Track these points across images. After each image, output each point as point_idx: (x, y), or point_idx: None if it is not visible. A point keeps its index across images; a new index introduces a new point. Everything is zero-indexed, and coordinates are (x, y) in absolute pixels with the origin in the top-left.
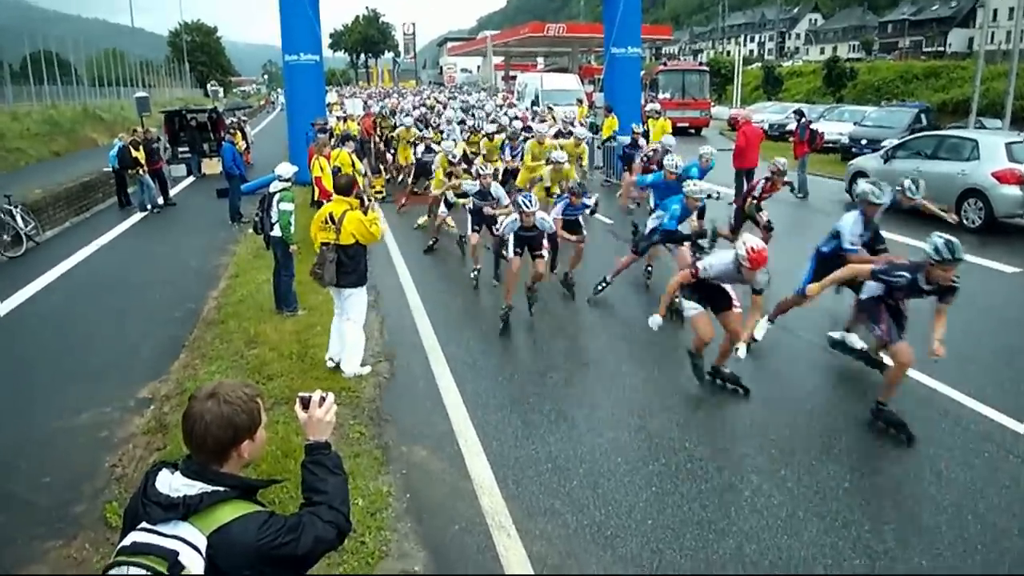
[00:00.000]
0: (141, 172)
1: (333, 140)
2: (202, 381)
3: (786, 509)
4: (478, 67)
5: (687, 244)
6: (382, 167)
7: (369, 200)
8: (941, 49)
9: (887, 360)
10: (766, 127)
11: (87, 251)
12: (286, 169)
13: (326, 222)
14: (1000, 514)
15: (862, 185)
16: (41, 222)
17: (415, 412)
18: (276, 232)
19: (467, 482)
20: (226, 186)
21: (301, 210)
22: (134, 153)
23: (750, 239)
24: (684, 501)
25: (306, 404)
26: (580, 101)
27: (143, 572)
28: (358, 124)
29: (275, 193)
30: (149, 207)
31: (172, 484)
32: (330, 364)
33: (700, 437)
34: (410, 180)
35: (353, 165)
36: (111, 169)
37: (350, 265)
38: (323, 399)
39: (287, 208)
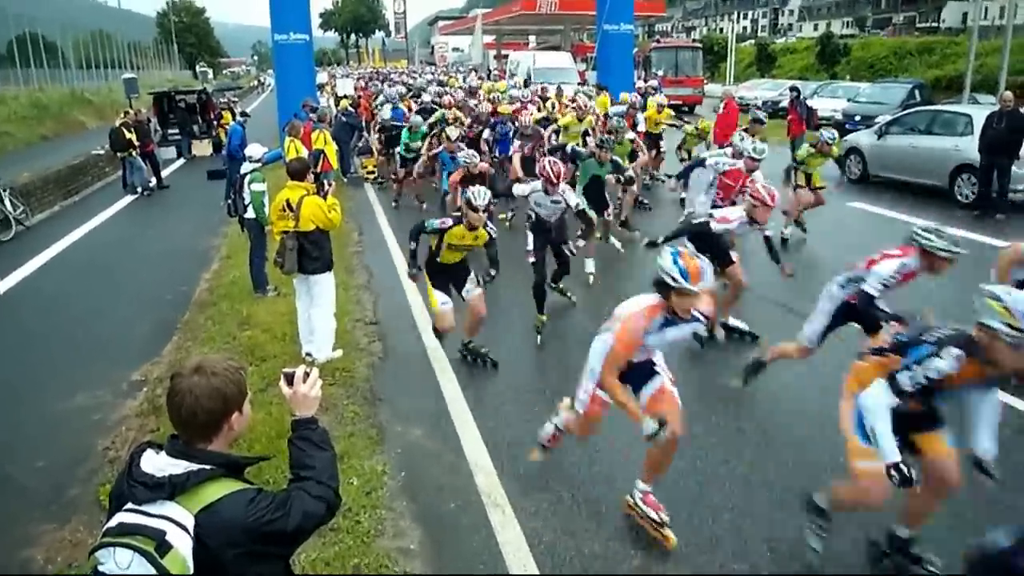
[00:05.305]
0: (133, 154)
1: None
2: None
3: (781, 484)
4: (469, 46)
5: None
6: (374, 148)
7: (329, 184)
8: (935, 24)
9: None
10: (759, 103)
11: (77, 234)
12: (256, 150)
13: (284, 210)
14: (1011, 492)
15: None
16: (30, 206)
17: (409, 392)
18: (249, 214)
19: (462, 460)
20: (216, 167)
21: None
22: (127, 135)
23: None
24: (679, 477)
25: (290, 380)
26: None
27: (130, 552)
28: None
29: (246, 175)
30: (140, 190)
31: (157, 464)
32: (308, 358)
33: (695, 414)
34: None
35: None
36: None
37: (314, 251)
38: (307, 374)
39: (258, 189)
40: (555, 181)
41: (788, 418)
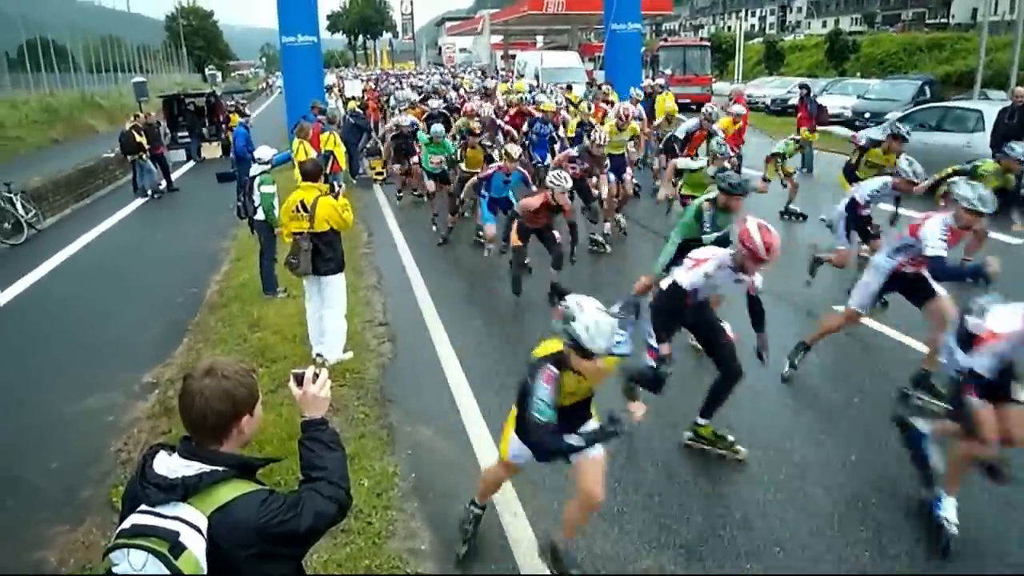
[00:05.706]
0: (144, 157)
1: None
2: None
3: (794, 482)
4: (473, 43)
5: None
6: (382, 149)
7: (339, 185)
8: (944, 20)
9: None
10: (768, 102)
11: (89, 237)
12: (265, 152)
13: (297, 210)
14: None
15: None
16: (42, 209)
17: (419, 392)
18: (260, 216)
19: (472, 461)
20: (226, 170)
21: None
22: (137, 138)
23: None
24: (691, 475)
25: (300, 381)
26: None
27: (144, 554)
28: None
29: (255, 177)
30: (150, 192)
31: (170, 466)
32: (319, 359)
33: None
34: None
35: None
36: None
37: (327, 252)
38: (316, 375)
39: (268, 191)
40: (766, 256)
41: (790, 416)
